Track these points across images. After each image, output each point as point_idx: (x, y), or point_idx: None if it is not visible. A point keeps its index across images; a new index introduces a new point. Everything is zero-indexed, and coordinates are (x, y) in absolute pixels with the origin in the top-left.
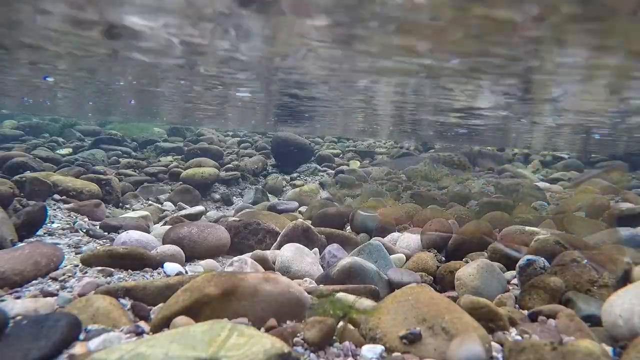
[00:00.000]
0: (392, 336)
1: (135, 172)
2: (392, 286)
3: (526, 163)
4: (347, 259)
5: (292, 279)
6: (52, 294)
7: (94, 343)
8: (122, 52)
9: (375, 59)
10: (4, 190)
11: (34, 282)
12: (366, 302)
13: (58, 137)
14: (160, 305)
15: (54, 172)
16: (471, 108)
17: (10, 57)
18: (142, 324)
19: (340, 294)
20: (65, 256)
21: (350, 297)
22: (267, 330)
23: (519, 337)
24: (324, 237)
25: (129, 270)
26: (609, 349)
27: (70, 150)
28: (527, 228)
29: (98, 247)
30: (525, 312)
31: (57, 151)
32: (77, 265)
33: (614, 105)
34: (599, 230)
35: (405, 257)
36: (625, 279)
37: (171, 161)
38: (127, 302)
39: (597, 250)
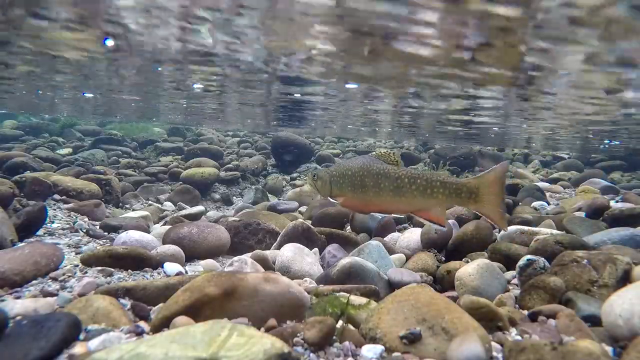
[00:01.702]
0: (392, 336)
1: (135, 172)
2: (392, 286)
3: (526, 163)
4: (347, 259)
5: (292, 279)
6: (52, 294)
7: (94, 343)
8: None
9: None
10: (4, 190)
11: (34, 282)
12: (362, 299)
13: (58, 137)
14: (160, 305)
15: (54, 172)
16: None
17: None
18: (142, 324)
19: (339, 294)
20: (65, 256)
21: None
22: (267, 330)
23: (519, 337)
24: (324, 237)
25: (129, 270)
26: (609, 349)
27: (70, 150)
28: (526, 228)
29: (98, 247)
30: (525, 312)
31: (57, 151)
32: (77, 265)
33: None
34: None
35: (405, 257)
36: (625, 279)
37: (171, 161)
38: (127, 302)
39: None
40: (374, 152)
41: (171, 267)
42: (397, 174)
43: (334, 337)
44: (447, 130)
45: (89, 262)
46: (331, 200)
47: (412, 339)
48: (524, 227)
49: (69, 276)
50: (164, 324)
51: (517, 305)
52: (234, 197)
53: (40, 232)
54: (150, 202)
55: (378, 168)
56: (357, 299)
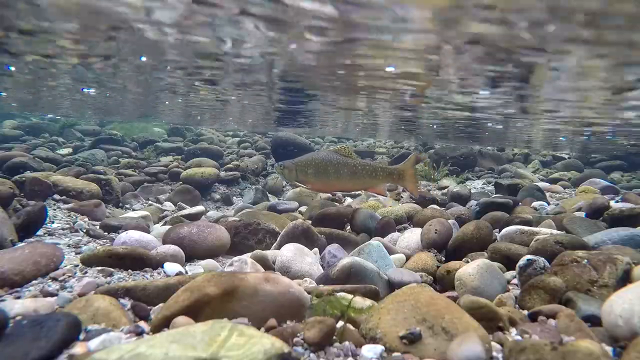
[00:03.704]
0: (392, 336)
1: (135, 172)
2: (392, 286)
3: (526, 163)
4: (347, 259)
5: (292, 279)
6: (52, 294)
7: (94, 343)
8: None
9: None
10: (4, 190)
11: (34, 282)
12: (363, 301)
13: (58, 137)
14: (160, 305)
15: (54, 172)
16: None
17: None
18: (142, 324)
19: (340, 294)
20: (65, 256)
21: (349, 297)
22: (267, 330)
23: (519, 337)
24: (324, 237)
25: (129, 270)
26: (609, 349)
27: (70, 150)
28: (526, 228)
29: (98, 247)
30: (525, 312)
31: (57, 151)
32: (77, 265)
33: None
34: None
35: (405, 257)
36: (625, 279)
37: (171, 161)
38: (127, 302)
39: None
40: (332, 147)
41: (171, 267)
42: (353, 163)
43: (334, 337)
44: (447, 131)
45: (89, 262)
46: (296, 183)
47: (412, 339)
48: (524, 227)
49: (69, 276)
50: (164, 324)
51: (517, 305)
52: (234, 197)
53: (40, 232)
54: (150, 202)
55: (338, 159)
56: (357, 301)
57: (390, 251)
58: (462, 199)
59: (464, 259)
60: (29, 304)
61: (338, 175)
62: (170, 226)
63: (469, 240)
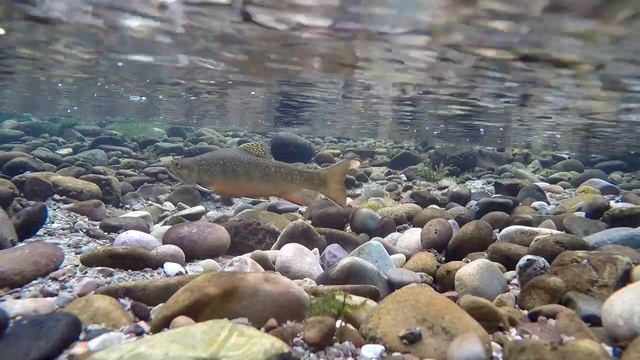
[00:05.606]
0: (392, 336)
1: (135, 172)
2: (392, 286)
3: (526, 163)
4: (347, 259)
5: (292, 279)
6: (52, 294)
7: (94, 343)
8: None
9: None
10: (4, 190)
11: (34, 282)
12: (361, 299)
13: (58, 137)
14: (160, 305)
15: (54, 172)
16: None
17: None
18: (142, 324)
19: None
20: (65, 256)
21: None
22: (267, 330)
23: (519, 337)
24: (324, 237)
25: (129, 270)
26: (609, 349)
27: (70, 150)
28: (526, 228)
29: (98, 247)
30: (525, 312)
31: (57, 151)
32: (77, 265)
33: None
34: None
35: (405, 257)
36: (625, 279)
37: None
38: (127, 302)
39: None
40: (241, 146)
41: (171, 267)
42: (265, 164)
43: (334, 337)
44: (446, 130)
45: (89, 262)
46: (198, 186)
47: (412, 339)
48: (524, 227)
49: (69, 276)
50: (164, 324)
51: (517, 305)
52: None
53: (40, 232)
54: (150, 202)
55: (249, 159)
56: (355, 299)
57: (390, 251)
58: (462, 199)
59: (464, 259)
60: (29, 304)
61: (249, 177)
62: (170, 226)
63: (469, 240)
